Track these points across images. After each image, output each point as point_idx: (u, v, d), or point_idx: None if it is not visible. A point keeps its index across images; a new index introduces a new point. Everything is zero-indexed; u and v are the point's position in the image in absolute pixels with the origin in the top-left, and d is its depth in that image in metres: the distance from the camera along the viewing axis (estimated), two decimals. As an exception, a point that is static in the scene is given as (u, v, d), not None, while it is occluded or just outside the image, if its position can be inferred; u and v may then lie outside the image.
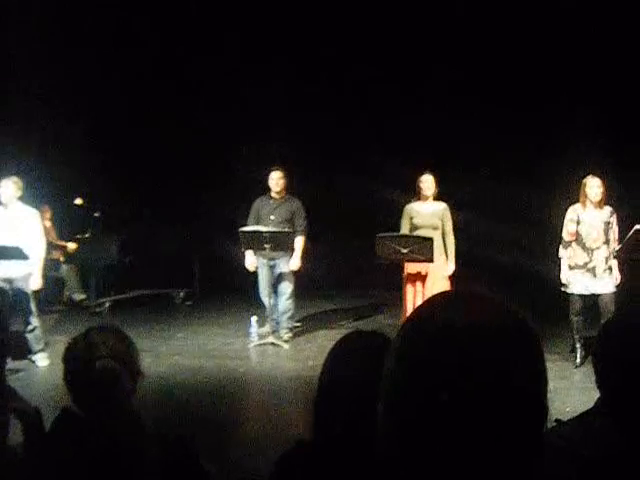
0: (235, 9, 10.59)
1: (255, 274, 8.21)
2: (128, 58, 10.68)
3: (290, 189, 8.22)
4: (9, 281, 7.08)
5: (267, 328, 8.12)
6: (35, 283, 7.20)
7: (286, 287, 8.10)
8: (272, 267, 8.05)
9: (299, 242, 8.05)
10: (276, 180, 8.07)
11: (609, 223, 6.76)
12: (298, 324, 8.72)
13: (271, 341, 7.92)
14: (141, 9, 10.45)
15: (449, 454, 0.83)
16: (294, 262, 8.09)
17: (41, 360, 7.24)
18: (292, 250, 7.98)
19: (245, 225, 8.02)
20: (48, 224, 9.18)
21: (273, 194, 8.12)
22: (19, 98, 10.18)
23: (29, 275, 7.12)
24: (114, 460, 1.90)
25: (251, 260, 8.12)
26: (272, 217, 8.03)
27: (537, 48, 9.91)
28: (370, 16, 10.37)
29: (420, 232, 7.28)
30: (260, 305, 8.34)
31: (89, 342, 2.11)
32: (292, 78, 10.68)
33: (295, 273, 8.19)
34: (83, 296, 9.91)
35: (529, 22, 9.92)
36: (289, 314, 8.23)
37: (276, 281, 8.11)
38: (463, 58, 10.26)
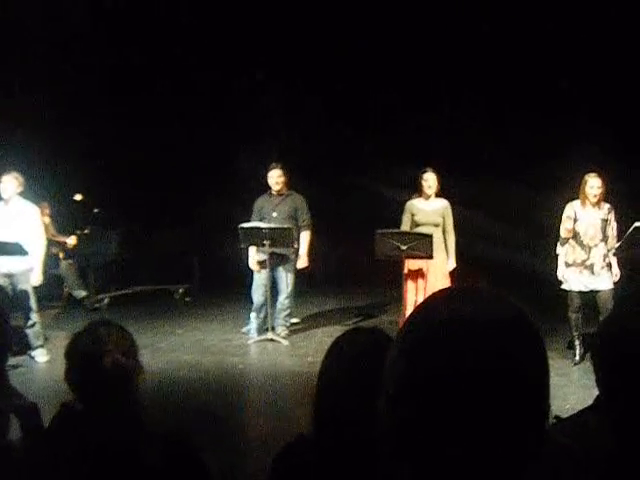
0: (232, 11, 10.58)
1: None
2: (129, 59, 10.68)
3: (290, 186, 8.16)
4: (9, 276, 7.08)
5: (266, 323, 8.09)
6: (36, 279, 7.21)
7: (286, 286, 8.03)
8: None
9: (305, 237, 8.00)
10: (275, 179, 7.98)
11: (607, 220, 6.73)
12: (297, 321, 8.72)
13: (270, 337, 7.92)
14: (141, 13, 10.45)
15: (451, 449, 0.83)
16: (301, 260, 8.03)
17: (40, 356, 7.24)
18: (292, 246, 7.85)
19: (246, 222, 7.95)
20: (47, 220, 9.15)
21: (274, 192, 8.07)
22: (21, 96, 10.16)
23: (30, 271, 7.12)
24: (113, 457, 1.90)
25: (255, 259, 7.99)
26: (274, 214, 7.96)
27: (537, 48, 9.89)
28: (370, 18, 10.34)
29: (421, 229, 7.29)
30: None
31: (95, 337, 2.05)
32: (292, 77, 10.67)
33: (299, 271, 8.13)
34: (84, 293, 9.88)
35: (531, 21, 9.91)
36: (287, 312, 8.20)
37: (276, 279, 8.06)
38: (463, 58, 10.24)
